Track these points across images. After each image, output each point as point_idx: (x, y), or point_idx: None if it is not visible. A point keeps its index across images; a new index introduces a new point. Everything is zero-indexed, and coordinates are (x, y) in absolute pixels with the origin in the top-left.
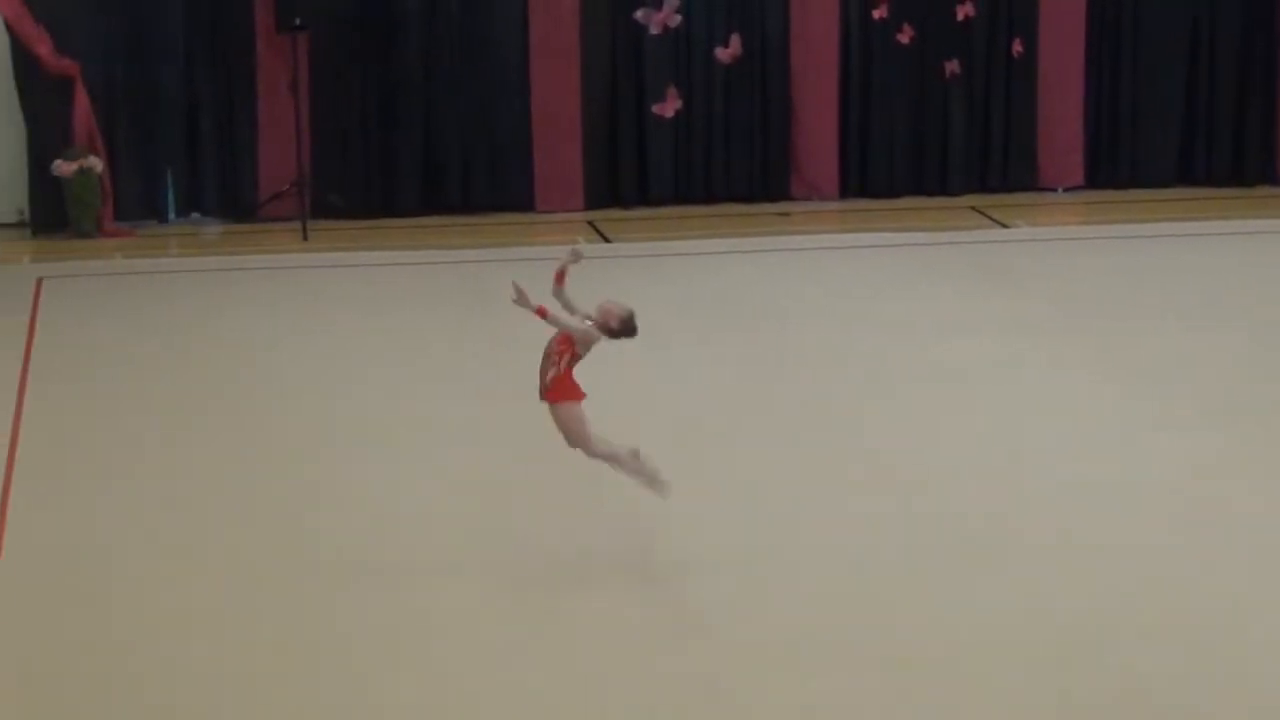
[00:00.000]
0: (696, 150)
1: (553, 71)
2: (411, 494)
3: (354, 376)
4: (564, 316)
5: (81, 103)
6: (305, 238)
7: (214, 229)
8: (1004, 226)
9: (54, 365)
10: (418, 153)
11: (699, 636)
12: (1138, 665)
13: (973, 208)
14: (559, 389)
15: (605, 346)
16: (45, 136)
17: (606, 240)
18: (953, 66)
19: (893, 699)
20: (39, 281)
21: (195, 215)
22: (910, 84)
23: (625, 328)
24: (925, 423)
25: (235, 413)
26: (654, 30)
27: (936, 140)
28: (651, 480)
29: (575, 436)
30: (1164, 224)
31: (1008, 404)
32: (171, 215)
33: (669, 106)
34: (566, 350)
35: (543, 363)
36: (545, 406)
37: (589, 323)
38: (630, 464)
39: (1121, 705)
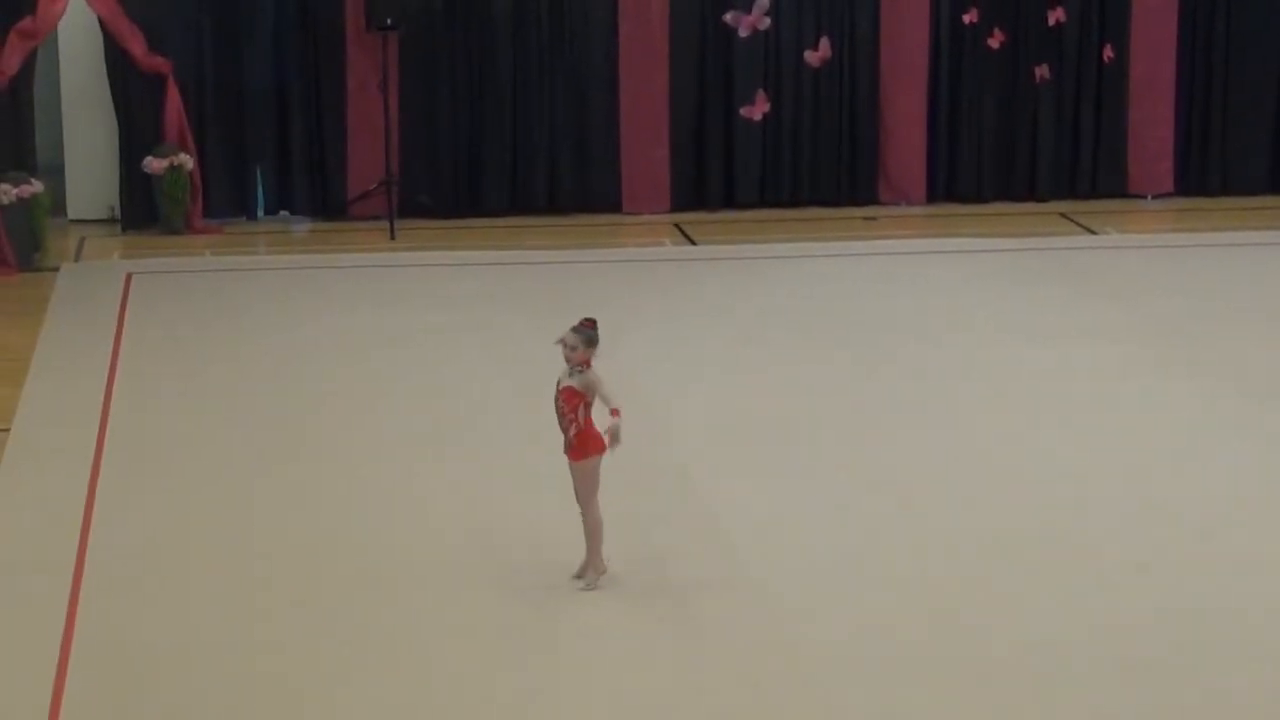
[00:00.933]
0: (784, 153)
1: (641, 73)
2: (485, 496)
3: (438, 376)
4: (595, 387)
5: (173, 100)
6: (393, 237)
7: (302, 227)
8: (1092, 233)
9: (142, 360)
10: (505, 153)
11: (784, 631)
12: (1218, 683)
13: (1061, 214)
14: (582, 445)
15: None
16: (137, 133)
17: (692, 243)
18: (1043, 71)
19: (977, 708)
20: (128, 277)
21: (284, 213)
22: (1000, 88)
23: (588, 337)
24: (1010, 427)
25: (318, 411)
26: (743, 33)
27: (1025, 145)
28: (594, 569)
29: (583, 494)
30: (1255, 232)
31: (1095, 411)
32: (260, 213)
33: (757, 109)
34: (577, 402)
35: (560, 421)
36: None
37: (580, 370)
38: (595, 546)
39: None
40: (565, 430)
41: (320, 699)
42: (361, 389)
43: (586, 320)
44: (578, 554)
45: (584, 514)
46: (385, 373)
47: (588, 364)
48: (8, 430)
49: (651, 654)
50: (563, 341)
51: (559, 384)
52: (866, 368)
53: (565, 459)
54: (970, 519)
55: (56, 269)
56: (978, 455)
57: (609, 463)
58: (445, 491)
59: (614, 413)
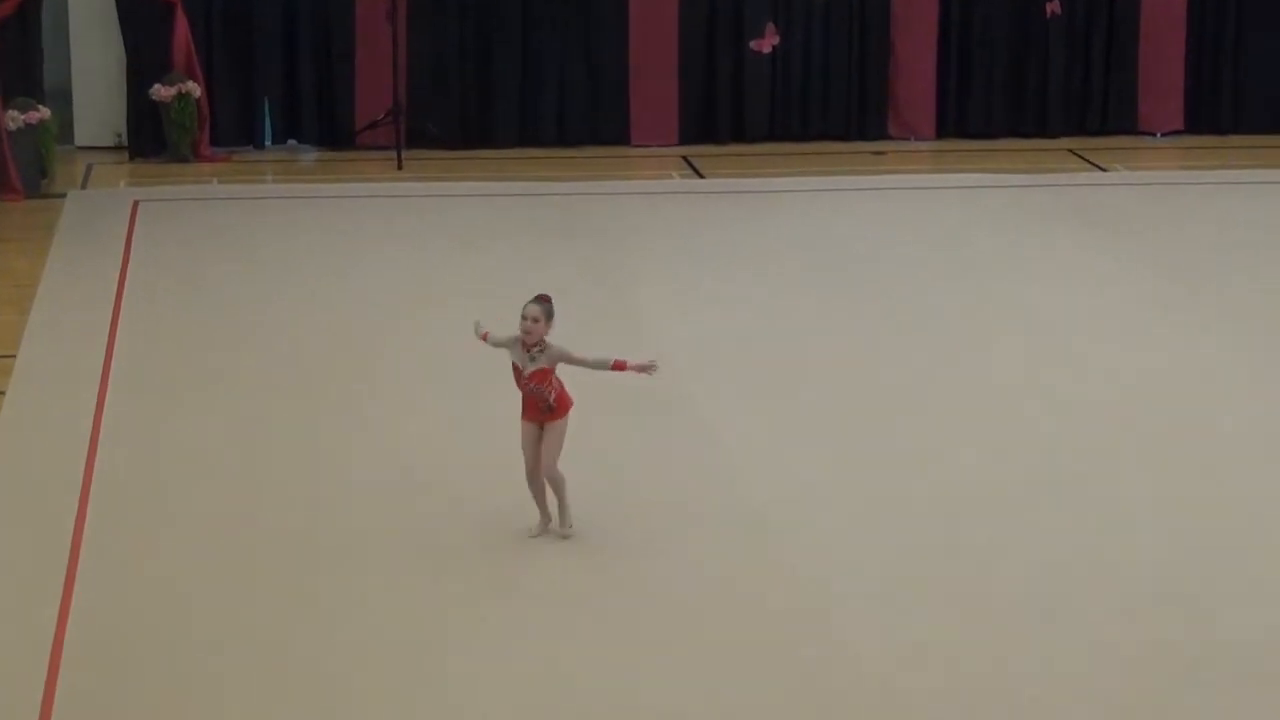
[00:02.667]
0: (793, 87)
1: (651, 5)
2: (483, 429)
3: (441, 306)
4: (566, 356)
5: (181, 28)
6: (400, 167)
7: (309, 156)
8: (1101, 170)
9: (148, 286)
10: (514, 85)
11: (803, 571)
12: (1235, 620)
13: (1071, 150)
14: (562, 405)
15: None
16: (144, 61)
17: (700, 176)
18: (1054, 7)
19: (1001, 643)
20: (135, 204)
21: (291, 142)
22: (1011, 24)
23: (549, 310)
24: (1015, 364)
25: (322, 338)
26: None
27: (1036, 81)
28: (561, 517)
29: (554, 452)
30: (1264, 170)
31: (1100, 347)
32: (267, 142)
33: (767, 42)
34: (549, 375)
35: (536, 398)
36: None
37: (539, 350)
38: (561, 502)
39: (1218, 658)
40: (545, 399)
41: (320, 625)
42: (365, 317)
43: (542, 295)
44: (592, 477)
45: (554, 469)
46: (389, 302)
47: (543, 341)
48: (14, 356)
49: (649, 585)
50: (524, 315)
51: (522, 370)
52: (872, 302)
53: (532, 425)
54: (972, 453)
55: (63, 195)
56: (981, 390)
57: (613, 393)
58: (445, 423)
59: (619, 365)
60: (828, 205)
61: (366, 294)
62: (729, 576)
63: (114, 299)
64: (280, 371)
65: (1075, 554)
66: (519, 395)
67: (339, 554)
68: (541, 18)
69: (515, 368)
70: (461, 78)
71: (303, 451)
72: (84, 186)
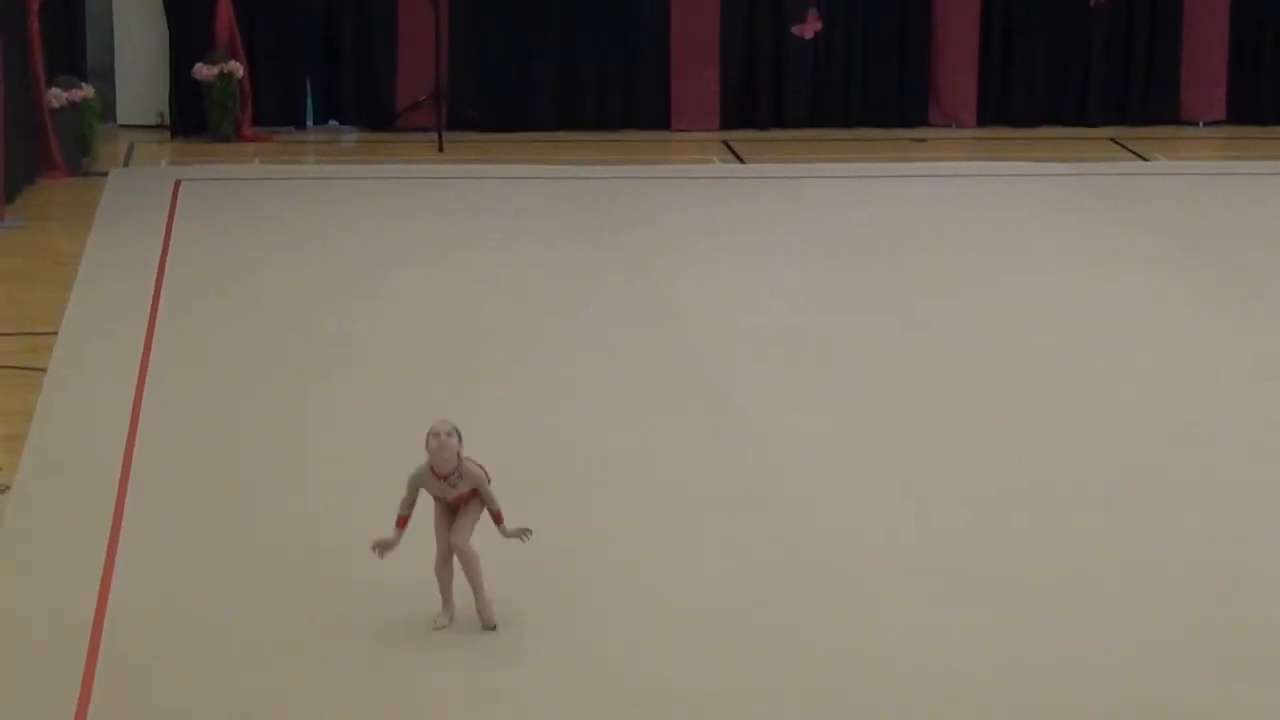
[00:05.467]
0: (835, 73)
1: None
2: (524, 410)
3: (482, 288)
4: (482, 480)
5: (224, 7)
6: (441, 149)
7: (351, 137)
8: (1143, 159)
9: (189, 266)
10: (555, 68)
11: (821, 549)
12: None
13: (1112, 139)
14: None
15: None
16: (187, 40)
17: (741, 161)
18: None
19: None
20: (177, 183)
21: (333, 123)
22: (1054, 11)
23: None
24: (1053, 352)
25: (363, 320)
26: None
27: (1078, 70)
28: (443, 603)
29: (469, 529)
30: None
31: (1140, 339)
32: (309, 122)
33: (809, 28)
34: (474, 494)
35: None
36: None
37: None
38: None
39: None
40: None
41: (360, 604)
42: (407, 300)
43: (440, 421)
44: (627, 461)
45: (458, 546)
46: (428, 282)
47: (458, 459)
48: (56, 334)
49: (688, 569)
50: (436, 435)
51: (444, 498)
52: (910, 290)
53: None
54: (1011, 442)
55: (105, 174)
56: (1019, 379)
57: (649, 381)
58: (491, 406)
59: (498, 518)
60: (868, 191)
61: (406, 274)
62: (764, 561)
63: (155, 277)
64: (321, 351)
65: (1111, 543)
66: (562, 377)
67: (379, 534)
68: (583, 1)
69: (439, 502)
70: (502, 60)
71: (342, 430)
72: (126, 165)
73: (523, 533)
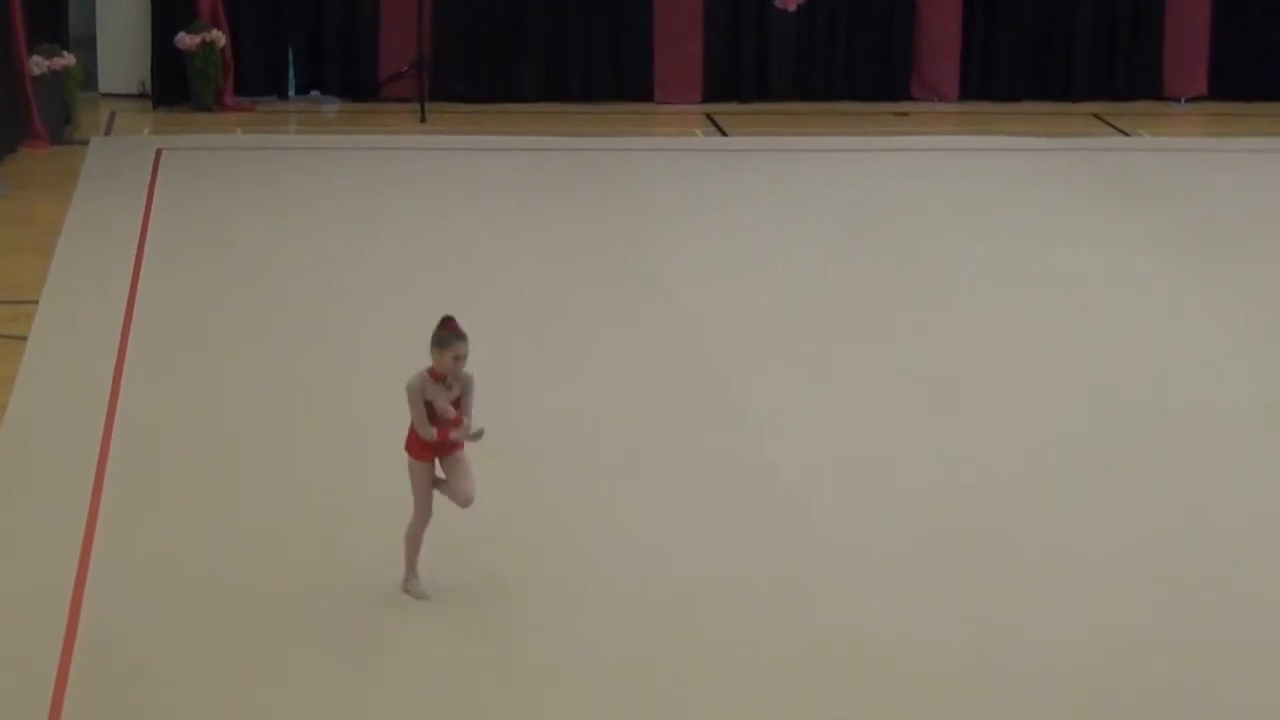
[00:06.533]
0: (818, 46)
1: None
2: (507, 383)
3: (463, 259)
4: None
5: None
6: (423, 119)
7: (333, 107)
8: (1125, 135)
9: (170, 234)
10: (539, 39)
11: (811, 526)
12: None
13: (1094, 115)
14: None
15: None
16: (169, 9)
17: (723, 134)
18: None
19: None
20: (158, 153)
21: (315, 93)
22: None
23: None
24: (1034, 330)
25: (344, 289)
26: None
27: (1061, 45)
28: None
29: (471, 477)
30: None
31: (1122, 314)
32: (291, 92)
33: (792, 1)
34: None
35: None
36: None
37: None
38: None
39: (1245, 634)
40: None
41: (352, 578)
42: (389, 270)
43: (447, 320)
44: (611, 442)
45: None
46: (410, 253)
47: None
48: (37, 302)
49: (679, 544)
50: (459, 358)
51: (448, 405)
52: (893, 264)
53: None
54: (995, 418)
55: (87, 142)
56: (1001, 354)
57: (634, 353)
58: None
59: (459, 421)
60: (850, 165)
61: (387, 245)
62: (754, 548)
63: (136, 246)
64: (301, 320)
65: (1097, 525)
66: (547, 346)
67: (364, 509)
68: None
69: (431, 408)
70: (486, 31)
71: (323, 398)
72: (107, 134)
73: (478, 434)
